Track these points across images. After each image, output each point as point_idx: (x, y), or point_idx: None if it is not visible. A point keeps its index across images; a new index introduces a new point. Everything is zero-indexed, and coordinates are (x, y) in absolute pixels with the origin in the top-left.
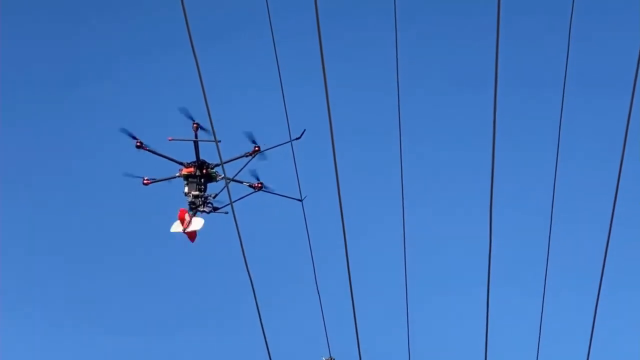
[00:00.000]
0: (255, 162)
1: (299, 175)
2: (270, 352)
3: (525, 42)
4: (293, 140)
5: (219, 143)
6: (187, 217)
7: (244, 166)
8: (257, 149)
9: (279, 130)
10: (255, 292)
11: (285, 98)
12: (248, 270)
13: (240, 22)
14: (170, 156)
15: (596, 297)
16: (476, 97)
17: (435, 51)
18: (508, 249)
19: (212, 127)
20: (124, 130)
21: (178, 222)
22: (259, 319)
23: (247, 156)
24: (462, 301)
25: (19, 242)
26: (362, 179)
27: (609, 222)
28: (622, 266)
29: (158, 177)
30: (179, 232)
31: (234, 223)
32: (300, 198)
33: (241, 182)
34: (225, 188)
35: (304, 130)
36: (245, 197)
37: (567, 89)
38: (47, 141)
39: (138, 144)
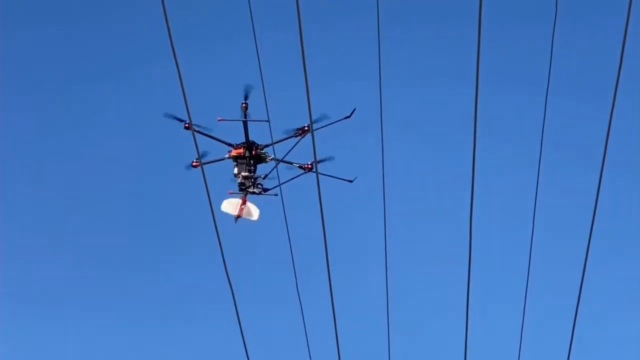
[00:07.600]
0: (305, 141)
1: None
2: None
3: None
4: (343, 119)
5: (268, 122)
6: (243, 203)
7: (293, 146)
8: (306, 128)
9: (328, 109)
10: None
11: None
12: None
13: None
14: (220, 137)
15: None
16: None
17: (418, 51)
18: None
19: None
20: (169, 115)
21: (233, 203)
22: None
23: (296, 136)
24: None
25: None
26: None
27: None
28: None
29: (208, 159)
30: (230, 214)
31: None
32: (350, 179)
33: (291, 163)
34: (275, 169)
35: (354, 109)
36: (296, 178)
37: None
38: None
39: (187, 125)
